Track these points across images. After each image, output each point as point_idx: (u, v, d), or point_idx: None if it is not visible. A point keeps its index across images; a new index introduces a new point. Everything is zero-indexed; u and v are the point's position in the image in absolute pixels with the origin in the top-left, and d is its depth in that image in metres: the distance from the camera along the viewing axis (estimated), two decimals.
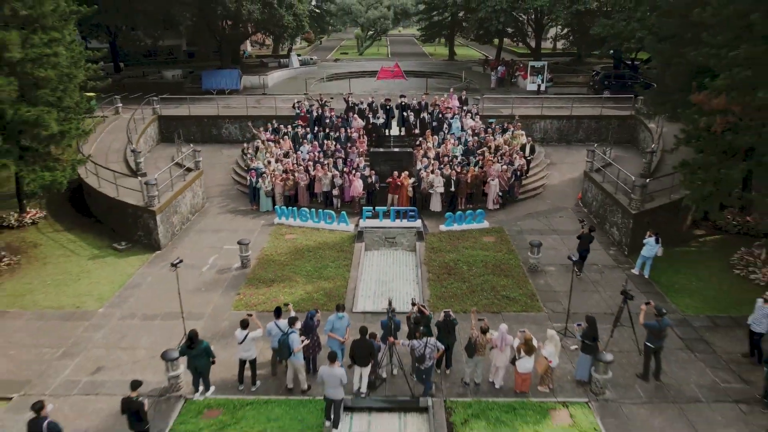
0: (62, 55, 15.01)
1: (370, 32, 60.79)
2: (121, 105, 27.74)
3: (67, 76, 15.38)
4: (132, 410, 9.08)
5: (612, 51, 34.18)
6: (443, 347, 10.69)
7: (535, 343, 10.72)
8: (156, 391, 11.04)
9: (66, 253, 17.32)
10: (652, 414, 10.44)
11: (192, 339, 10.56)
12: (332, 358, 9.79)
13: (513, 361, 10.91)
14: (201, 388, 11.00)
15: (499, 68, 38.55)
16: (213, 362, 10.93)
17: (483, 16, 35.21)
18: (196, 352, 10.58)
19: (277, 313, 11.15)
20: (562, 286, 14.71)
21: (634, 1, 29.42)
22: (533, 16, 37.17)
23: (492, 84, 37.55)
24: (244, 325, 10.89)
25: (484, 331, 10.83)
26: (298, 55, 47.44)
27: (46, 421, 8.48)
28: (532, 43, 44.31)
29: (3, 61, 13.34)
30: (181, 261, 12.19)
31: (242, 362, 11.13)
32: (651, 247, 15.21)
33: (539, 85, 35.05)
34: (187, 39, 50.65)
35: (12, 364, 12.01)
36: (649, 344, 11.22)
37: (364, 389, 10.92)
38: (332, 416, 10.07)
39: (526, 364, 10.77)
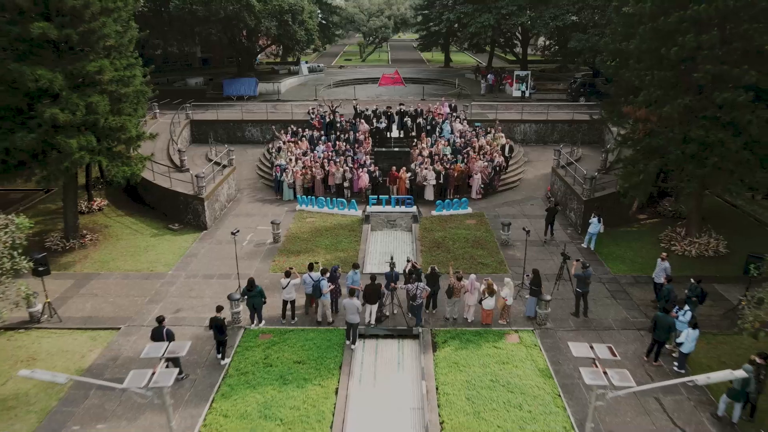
0: (137, 76, 19.36)
1: (372, 39, 65.09)
2: (158, 111, 32.04)
3: (141, 92, 19.71)
4: (217, 325, 13.38)
5: (586, 62, 38.40)
6: (429, 288, 15.03)
7: (495, 287, 15.03)
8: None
9: (132, 232, 21.66)
10: (576, 336, 14.74)
11: (251, 284, 14.87)
12: (351, 293, 14.12)
13: (480, 301, 15.21)
14: (256, 320, 15.30)
15: (488, 76, 42.83)
16: (264, 302, 15.24)
17: (473, 30, 39.53)
18: (253, 294, 14.88)
19: (310, 267, 15.45)
20: (522, 253, 18.98)
21: (605, 19, 33.74)
22: (519, 30, 41.42)
23: (482, 90, 41.81)
24: (288, 274, 15.19)
25: (459, 279, 15.14)
26: (306, 62, 51.77)
27: (165, 329, 12.75)
28: (520, 53, 48.57)
29: (99, 82, 17.64)
30: (238, 231, 16.53)
31: (285, 302, 15.43)
32: (595, 225, 19.53)
33: (523, 92, 39.36)
34: (201, 47, 54.89)
35: (115, 306, 16.33)
36: (578, 289, 15.53)
37: (373, 322, 15.25)
38: (351, 336, 14.39)
39: (489, 302, 15.06)
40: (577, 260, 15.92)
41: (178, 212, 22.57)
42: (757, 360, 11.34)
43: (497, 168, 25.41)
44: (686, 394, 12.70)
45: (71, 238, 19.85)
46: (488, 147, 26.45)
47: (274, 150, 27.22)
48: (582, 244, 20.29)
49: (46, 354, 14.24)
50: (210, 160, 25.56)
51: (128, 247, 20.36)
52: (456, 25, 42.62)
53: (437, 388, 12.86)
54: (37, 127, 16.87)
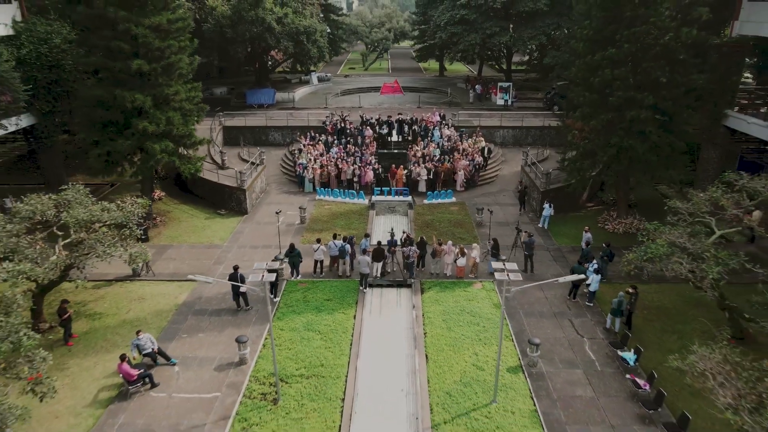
0: (199, 95, 25.46)
1: (374, 47, 71.10)
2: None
3: (200, 108, 25.80)
4: (293, 258, 19.43)
5: (558, 76, 44.40)
6: (419, 251, 21.13)
7: (465, 251, 21.11)
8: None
9: (189, 216, 27.74)
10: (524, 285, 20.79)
11: (292, 247, 20.96)
12: (364, 252, 20.22)
13: (455, 260, 21.27)
14: (295, 274, 21.37)
15: (477, 87, 48.91)
16: (301, 261, 21.31)
17: (462, 48, 45.65)
18: (294, 255, 20.95)
19: (334, 237, 21.54)
20: (493, 232, 25.02)
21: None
22: (504, 46, 47.44)
23: (470, 99, 47.89)
24: (317, 241, 21.28)
25: (440, 244, 21.23)
26: (315, 71, 57.76)
27: (239, 273, 18.80)
28: (505, 66, 54.63)
29: (174, 102, 23.71)
30: (280, 211, 22.61)
31: (315, 262, 21.50)
32: (547, 210, 25.63)
33: (506, 101, 45.42)
34: (219, 58, 60.75)
35: (190, 266, 22.39)
36: (526, 253, 21.62)
37: (378, 275, 21.33)
38: (363, 283, 20.47)
39: (462, 261, 21.14)
40: (526, 232, 22.03)
41: (224, 201, 28.64)
42: (629, 290, 17.47)
43: (477, 166, 31.50)
44: (590, 317, 18.81)
45: (147, 219, 25.91)
46: (470, 149, 32.54)
47: (296, 151, 33.33)
48: (538, 224, 26.39)
49: (150, 295, 20.34)
50: (244, 160, 31.66)
51: (189, 226, 26.46)
52: (447, 42, 48.62)
53: (423, 315, 18.96)
54: (131, 136, 22.97)
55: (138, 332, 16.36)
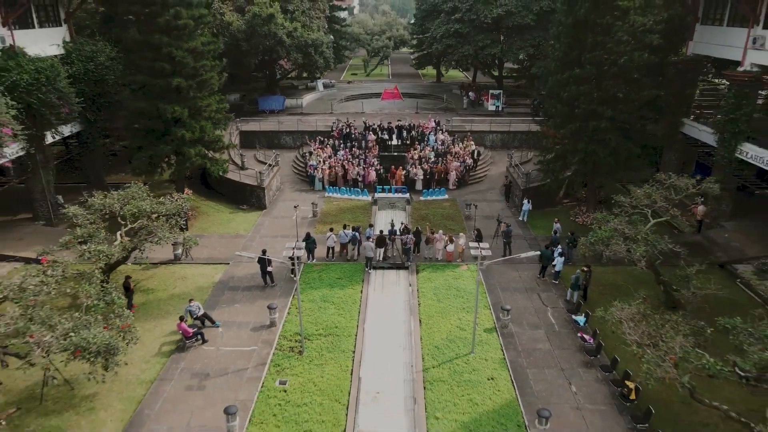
0: (225, 106, 29.56)
1: (376, 53, 75.10)
2: None
3: (227, 117, 29.91)
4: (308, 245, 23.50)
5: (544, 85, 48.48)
6: (414, 239, 25.24)
7: (454, 239, 25.20)
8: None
9: (215, 211, 31.83)
10: (501, 267, 24.88)
11: (308, 235, 25.07)
12: (368, 239, 24.34)
13: (445, 247, 25.35)
14: (311, 258, 25.45)
15: (470, 93, 52.97)
16: (315, 247, 25.40)
17: (456, 58, 49.74)
18: (310, 241, 25.05)
19: (344, 227, 25.66)
20: (479, 224, 29.08)
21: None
22: (495, 57, 51.48)
23: (464, 105, 51.96)
24: (330, 230, 25.39)
25: (432, 233, 25.34)
26: (320, 78, 61.75)
27: (266, 256, 22.90)
28: (496, 73, 58.64)
29: (206, 112, 27.80)
30: (297, 205, 26.72)
31: (328, 248, 25.60)
32: (525, 205, 29.75)
33: (497, 107, 49.47)
34: (231, 65, 64.83)
35: (222, 252, 26.48)
36: (504, 240, 25.72)
37: (381, 259, 25.42)
38: (368, 265, 24.57)
39: (451, 247, 25.24)
40: (505, 223, 26.14)
41: (245, 197, 32.72)
42: (584, 269, 21.60)
43: (467, 167, 35.61)
44: (554, 291, 22.93)
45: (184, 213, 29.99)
46: (461, 152, 36.64)
47: (306, 153, 37.44)
48: (519, 218, 30.48)
49: (191, 275, 24.43)
50: (260, 161, 35.75)
51: (216, 219, 30.56)
52: (443, 52, 52.68)
53: (418, 290, 23.05)
54: (171, 142, 27.07)
55: (190, 300, 20.48)
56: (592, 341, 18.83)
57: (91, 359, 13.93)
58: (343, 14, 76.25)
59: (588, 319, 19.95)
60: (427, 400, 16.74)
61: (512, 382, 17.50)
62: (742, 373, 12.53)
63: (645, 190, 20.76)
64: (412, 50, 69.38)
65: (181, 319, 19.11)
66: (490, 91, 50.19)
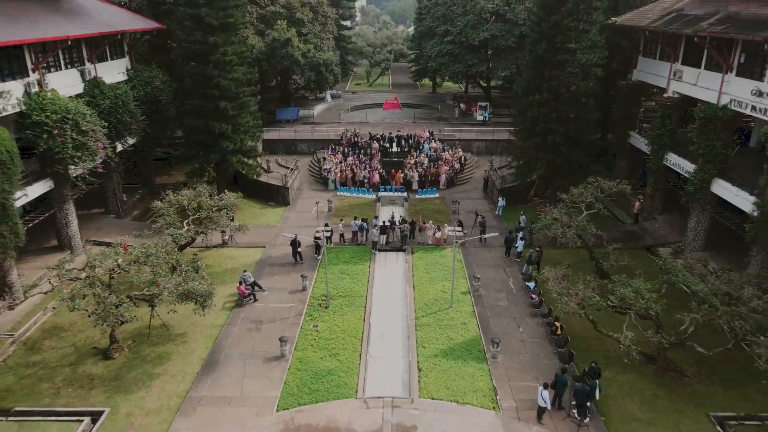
0: (259, 122, 36.73)
1: (378, 64, 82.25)
2: None
3: (260, 130, 37.07)
4: (316, 239, 30.72)
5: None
6: (410, 227, 32.45)
7: (441, 228, 32.37)
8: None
9: (248, 206, 38.97)
10: (479, 250, 32.02)
11: (325, 225, 32.25)
12: (374, 227, 31.56)
13: (434, 234, 32.51)
14: (331, 242, 32.60)
15: (461, 105, 60.10)
16: (332, 234, 32.56)
17: (449, 74, 56.96)
18: (329, 229, 32.22)
19: (355, 218, 32.86)
20: (463, 217, 36.17)
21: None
22: (483, 73, 58.71)
23: (456, 115, 59.09)
24: (340, 221, 32.57)
25: (424, 223, 32.55)
26: (328, 89, 68.86)
27: (297, 238, 30.02)
28: (485, 85, 65.84)
29: (244, 128, 34.96)
30: (318, 202, 33.89)
31: (340, 235, 32.78)
32: (501, 201, 36.95)
33: (485, 117, 56.59)
34: None
35: (258, 238, 33.60)
36: (480, 230, 32.88)
37: (384, 244, 32.60)
38: (375, 248, 31.76)
39: (438, 234, 32.41)
40: (481, 215, 33.36)
41: (272, 195, 39.87)
42: (537, 249, 28.81)
43: (455, 171, 42.79)
44: (516, 267, 30.12)
45: None
46: (451, 158, 43.81)
47: (321, 159, 44.66)
48: (496, 212, 37.66)
49: (237, 256, 31.59)
50: (282, 165, 42.94)
51: (250, 213, 37.74)
52: (437, 68, 59.90)
53: (412, 266, 30.21)
54: (218, 152, 34.24)
55: (244, 271, 27.67)
56: (537, 299, 26.01)
57: (197, 300, 21.09)
58: (346, 23, 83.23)
59: (537, 285, 27.13)
60: (417, 337, 23.91)
61: (478, 326, 24.67)
62: (611, 304, 19.77)
63: (579, 189, 27.92)
64: (410, 64, 76.49)
65: (240, 283, 26.30)
66: (479, 103, 57.31)
